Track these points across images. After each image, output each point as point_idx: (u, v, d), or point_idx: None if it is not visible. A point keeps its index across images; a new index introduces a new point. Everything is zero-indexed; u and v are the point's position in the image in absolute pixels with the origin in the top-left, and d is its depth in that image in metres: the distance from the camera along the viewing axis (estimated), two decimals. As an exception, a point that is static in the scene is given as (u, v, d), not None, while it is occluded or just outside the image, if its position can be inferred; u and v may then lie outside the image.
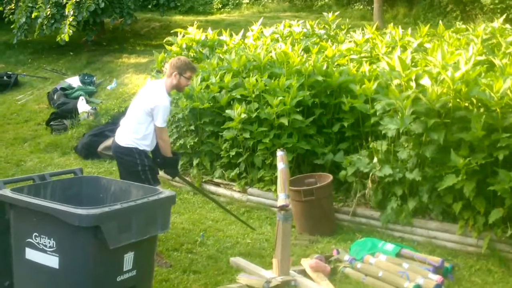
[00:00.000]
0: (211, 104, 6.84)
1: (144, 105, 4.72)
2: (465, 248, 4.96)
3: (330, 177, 5.77)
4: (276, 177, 4.80)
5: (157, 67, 8.69)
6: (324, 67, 6.56)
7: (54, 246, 2.73)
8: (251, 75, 6.77)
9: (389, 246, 4.75)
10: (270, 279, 4.22)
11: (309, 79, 6.45)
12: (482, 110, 4.88)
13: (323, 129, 6.46)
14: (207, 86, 7.12)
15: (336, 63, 6.98)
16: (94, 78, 11.90)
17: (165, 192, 3.10)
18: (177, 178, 6.95)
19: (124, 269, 2.83)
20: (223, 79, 6.98)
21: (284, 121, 6.11)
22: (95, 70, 12.59)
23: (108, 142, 9.12)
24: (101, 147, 9.08)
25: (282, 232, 4.36)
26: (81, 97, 10.57)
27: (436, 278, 4.16)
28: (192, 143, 7.14)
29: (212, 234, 5.57)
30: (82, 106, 10.26)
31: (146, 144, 4.74)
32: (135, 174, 4.59)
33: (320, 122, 6.46)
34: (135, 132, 4.73)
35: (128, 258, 2.85)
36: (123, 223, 2.75)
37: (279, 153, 4.58)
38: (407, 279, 4.16)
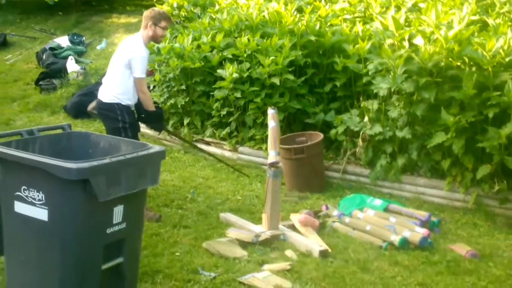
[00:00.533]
0: (202, 63, 6.79)
1: (122, 58, 4.70)
2: (452, 203, 5.05)
3: (320, 136, 5.80)
4: (267, 136, 4.81)
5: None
6: (317, 27, 6.51)
7: (43, 199, 2.73)
8: (243, 34, 6.71)
9: (378, 202, 4.82)
10: (260, 233, 4.29)
11: (302, 39, 6.41)
12: (474, 69, 4.89)
13: (315, 89, 6.46)
14: (198, 46, 7.05)
15: (329, 23, 6.93)
16: (84, 38, 11.73)
17: (154, 147, 3.10)
18: (166, 136, 6.98)
19: (114, 222, 2.85)
20: (214, 39, 6.91)
21: (276, 80, 6.09)
22: (85, 30, 12.41)
23: (98, 102, 9.08)
24: (90, 106, 8.95)
25: (272, 188, 4.41)
26: (70, 57, 10.45)
27: (423, 231, 4.24)
28: (183, 103, 7.12)
29: (202, 191, 5.61)
30: (71, 65, 10.15)
31: (127, 98, 4.72)
32: (116, 131, 4.62)
33: (312, 81, 6.45)
34: (116, 86, 4.72)
35: (118, 211, 2.86)
36: (112, 177, 2.75)
37: (270, 111, 4.59)
38: (394, 233, 4.23)
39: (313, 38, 6.36)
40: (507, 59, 4.64)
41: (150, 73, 8.62)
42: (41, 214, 2.74)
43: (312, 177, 5.66)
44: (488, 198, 4.84)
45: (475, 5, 6.25)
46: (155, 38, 4.80)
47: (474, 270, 3.80)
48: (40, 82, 9.92)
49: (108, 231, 2.84)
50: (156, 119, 5.05)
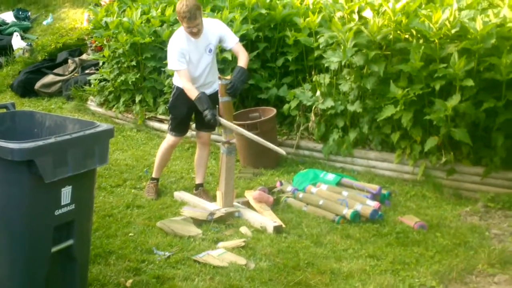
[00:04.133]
0: (153, 38, 6.66)
1: None
2: (402, 175, 5.17)
3: (273, 111, 5.80)
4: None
5: (94, 0, 8.32)
6: (268, 0, 6.45)
7: (-13, 181, 2.65)
8: (193, 8, 6.58)
9: (330, 176, 4.88)
10: (214, 211, 4.29)
11: (253, 12, 6.34)
12: (421, 41, 4.95)
13: (267, 64, 6.43)
14: (148, 20, 6.90)
15: (280, -4, 6.87)
16: (29, 13, 11.33)
17: (102, 125, 3.03)
18: (118, 114, 6.82)
19: (62, 203, 2.78)
20: (164, 13, 6.77)
21: (228, 55, 6.02)
22: (30, 5, 11.97)
23: (46, 79, 8.82)
24: (38, 84, 8.77)
25: (226, 165, 4.40)
26: (15, 33, 10.10)
27: (374, 204, 4.33)
28: (134, 79, 6.99)
29: (156, 169, 5.55)
30: (17, 42, 9.81)
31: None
32: None
33: (264, 56, 6.41)
34: None
35: (66, 193, 2.80)
36: (58, 157, 2.67)
37: (222, 82, 4.45)
38: (346, 206, 4.30)
39: (264, 11, 6.30)
40: (453, 31, 4.71)
41: (98, 48, 8.41)
42: (-15, 197, 2.65)
43: (266, 153, 5.64)
44: (436, 170, 4.96)
45: (423, -23, 6.32)
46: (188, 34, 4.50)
47: (422, 241, 3.91)
48: (-16, 60, 9.55)
49: (57, 212, 2.78)
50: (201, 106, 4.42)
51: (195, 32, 4.39)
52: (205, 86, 4.63)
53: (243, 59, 4.55)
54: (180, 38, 4.50)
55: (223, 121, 4.38)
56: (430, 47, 4.77)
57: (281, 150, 4.41)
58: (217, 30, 4.61)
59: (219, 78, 4.47)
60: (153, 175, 4.96)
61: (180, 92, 4.59)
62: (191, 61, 4.51)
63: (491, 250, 3.72)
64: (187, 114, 4.72)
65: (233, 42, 4.62)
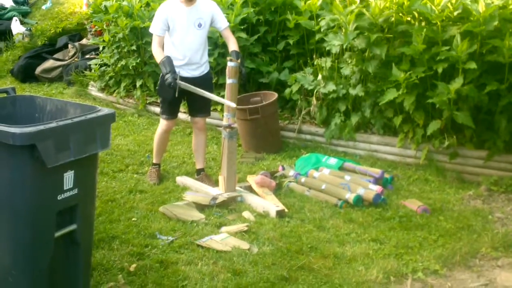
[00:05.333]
0: (153, 22, 6.59)
1: None
2: (404, 159, 5.16)
3: (275, 95, 5.77)
4: (222, 97, 4.74)
5: (93, -16, 8.24)
6: (268, -17, 6.38)
7: (-12, 166, 2.63)
8: (193, -9, 6.51)
9: (333, 160, 4.87)
10: (217, 195, 4.28)
11: (253, -5, 6.29)
12: (423, 23, 4.92)
13: (268, 47, 6.39)
14: (148, 4, 6.85)
15: (280, -22, 6.79)
16: (28, -2, 11.24)
17: (103, 109, 3.00)
18: (119, 99, 6.79)
19: (65, 188, 2.76)
20: (164, -4, 6.70)
21: (229, 39, 5.97)
22: (28, -11, 11.85)
23: (46, 64, 8.78)
24: (38, 69, 8.74)
25: (227, 150, 4.39)
26: (14, 18, 10.03)
27: (376, 188, 4.32)
28: (134, 64, 6.95)
29: (158, 154, 5.54)
30: (16, 27, 9.75)
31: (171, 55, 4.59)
32: None
33: (265, 40, 6.37)
34: None
35: (68, 177, 2.78)
36: (60, 142, 2.65)
37: (230, 64, 4.40)
38: (349, 191, 4.30)
39: (264, -6, 6.26)
40: (455, 13, 4.67)
41: (98, 33, 8.35)
42: (-13, 182, 2.63)
43: (268, 137, 5.66)
44: (438, 154, 4.95)
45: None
46: None
47: (425, 225, 3.91)
48: (-17, 45, 9.51)
49: (59, 197, 2.76)
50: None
51: None
52: (191, 66, 4.65)
53: (235, 43, 4.65)
54: (170, 4, 4.59)
55: (182, 84, 4.43)
56: (432, 30, 4.74)
57: (231, 103, 4.41)
58: (211, 8, 4.68)
59: (230, 60, 4.43)
60: (154, 161, 4.95)
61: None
62: (175, 29, 4.57)
63: (494, 233, 3.72)
64: (176, 95, 4.59)
65: (224, 24, 4.71)
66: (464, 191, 4.56)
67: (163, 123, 4.84)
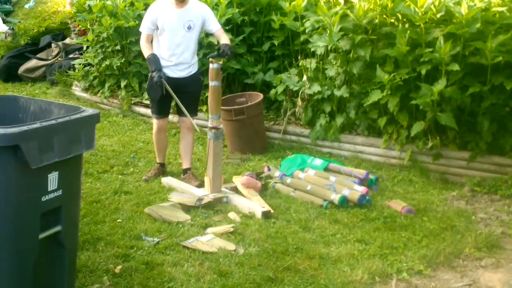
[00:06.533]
0: (137, 22, 6.56)
1: None
2: (389, 160, 5.20)
3: (260, 96, 5.78)
4: (207, 97, 4.74)
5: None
6: (253, -17, 6.39)
7: (-29, 168, 2.60)
8: (178, -9, 6.49)
9: (318, 161, 4.88)
10: (202, 196, 4.27)
11: (238, -5, 6.29)
12: (407, 25, 4.96)
13: (253, 48, 6.39)
14: (132, 3, 6.81)
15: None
16: (10, -3, 11.12)
17: (88, 110, 2.98)
18: (103, 99, 6.74)
19: (49, 189, 2.74)
20: (149, -4, 6.68)
21: (213, 40, 5.97)
22: (10, -12, 11.72)
23: (29, 64, 8.70)
24: (21, 69, 8.65)
25: (213, 150, 4.38)
26: (-4, 17, 9.89)
27: (361, 189, 4.34)
28: (118, 64, 6.90)
29: (143, 155, 5.52)
30: (-2, 26, 9.62)
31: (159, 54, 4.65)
32: None
33: (250, 40, 6.38)
34: None
35: (53, 178, 2.76)
36: (44, 142, 2.63)
37: (214, 66, 4.34)
38: (334, 191, 4.32)
39: (249, -6, 6.27)
40: (438, 15, 4.72)
41: (82, 32, 8.29)
42: (-30, 183, 2.60)
43: (254, 138, 5.67)
44: (422, 155, 4.99)
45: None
46: None
47: (409, 225, 3.94)
48: (-36, 45, 9.38)
49: (44, 199, 2.73)
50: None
51: None
52: (179, 67, 4.67)
53: (227, 39, 4.69)
54: (160, 4, 4.62)
55: (165, 84, 4.49)
56: (415, 32, 4.78)
57: (195, 125, 4.67)
58: (202, 11, 4.70)
59: (211, 62, 4.40)
60: (157, 160, 5.02)
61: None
62: (164, 29, 4.58)
63: (478, 234, 3.76)
64: (163, 93, 4.59)
65: (216, 27, 4.75)
66: (448, 192, 4.60)
67: (155, 123, 4.92)
